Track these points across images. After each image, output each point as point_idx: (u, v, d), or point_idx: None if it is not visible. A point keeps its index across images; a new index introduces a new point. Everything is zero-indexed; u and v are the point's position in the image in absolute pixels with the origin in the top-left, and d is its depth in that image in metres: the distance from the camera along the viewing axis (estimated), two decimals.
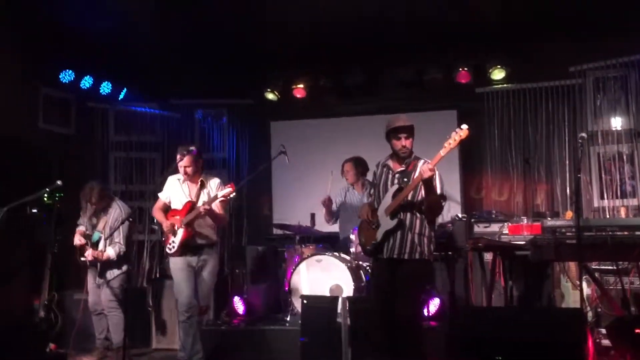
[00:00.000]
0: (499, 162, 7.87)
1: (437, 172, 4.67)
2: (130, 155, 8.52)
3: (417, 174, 4.71)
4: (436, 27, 7.33)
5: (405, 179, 4.83)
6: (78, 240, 6.40)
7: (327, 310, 5.72)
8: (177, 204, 5.83)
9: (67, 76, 7.78)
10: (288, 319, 6.49)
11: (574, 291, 6.22)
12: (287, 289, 6.62)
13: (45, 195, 6.45)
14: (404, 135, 4.84)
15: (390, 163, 4.98)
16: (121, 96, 8.31)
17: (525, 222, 5.98)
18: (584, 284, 5.56)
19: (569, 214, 6.79)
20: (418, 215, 4.79)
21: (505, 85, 7.86)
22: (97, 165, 8.33)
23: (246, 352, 6.14)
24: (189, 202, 5.76)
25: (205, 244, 5.78)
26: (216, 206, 5.66)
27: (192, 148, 5.81)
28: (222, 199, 5.58)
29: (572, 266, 6.24)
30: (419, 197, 4.80)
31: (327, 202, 6.95)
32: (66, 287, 7.12)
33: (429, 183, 4.59)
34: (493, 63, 7.71)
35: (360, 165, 6.99)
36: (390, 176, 4.94)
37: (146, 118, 8.60)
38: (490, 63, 7.73)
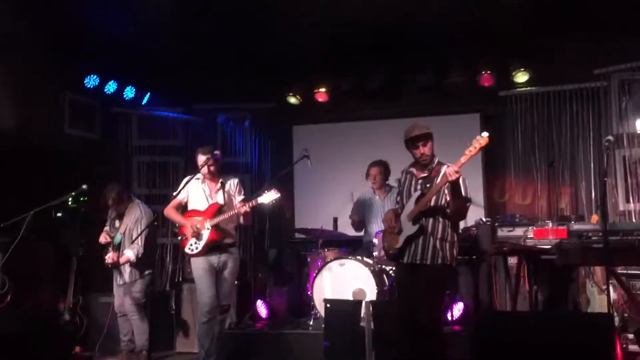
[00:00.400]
0: (522, 166, 7.80)
1: (461, 175, 4.66)
2: (154, 160, 8.59)
3: (439, 179, 4.70)
4: (459, 31, 7.30)
5: (428, 185, 4.82)
6: (103, 238, 6.48)
7: (350, 314, 5.71)
8: (198, 204, 5.86)
9: (91, 81, 7.86)
10: (311, 323, 6.48)
11: (600, 296, 6.16)
12: (309, 292, 6.62)
13: (71, 199, 6.53)
14: (421, 143, 4.85)
15: (414, 170, 4.99)
16: (144, 101, 8.37)
17: (551, 226, 5.93)
18: (611, 289, 5.49)
19: (595, 217, 6.72)
20: (441, 220, 4.78)
21: (528, 88, 7.79)
22: (121, 170, 8.41)
23: (269, 356, 6.15)
24: (215, 204, 5.80)
25: (229, 244, 5.83)
26: (247, 206, 5.68)
27: (217, 152, 5.86)
28: (264, 201, 5.63)
29: (598, 270, 6.18)
30: (442, 202, 4.80)
31: (356, 223, 7.07)
32: (91, 290, 7.19)
33: (455, 186, 4.59)
34: (516, 66, 7.64)
35: (386, 171, 7.01)
36: (413, 182, 4.95)
37: (169, 122, 8.66)
38: (513, 66, 7.66)
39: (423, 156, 4.86)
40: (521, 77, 7.69)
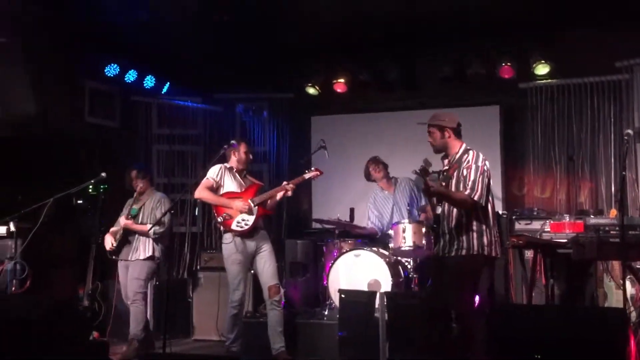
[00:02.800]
0: (542, 159, 7.74)
1: (473, 163, 4.63)
2: (173, 149, 8.64)
3: (460, 169, 4.68)
4: (479, 22, 7.25)
5: (442, 180, 4.78)
6: (109, 244, 6.43)
7: (364, 305, 5.72)
8: (233, 188, 5.99)
9: (112, 70, 7.91)
10: (326, 313, 6.50)
11: (617, 291, 6.11)
12: (325, 283, 6.64)
13: (90, 187, 6.61)
14: (428, 132, 4.87)
15: (444, 161, 4.95)
16: (164, 90, 8.42)
17: (568, 219, 5.89)
18: (628, 284, 5.44)
19: (613, 212, 6.65)
20: (464, 210, 4.68)
21: (549, 80, 7.71)
22: (140, 158, 8.45)
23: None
24: (256, 184, 6.09)
25: (263, 227, 6.05)
26: (293, 183, 6.04)
27: (233, 142, 6.11)
28: (309, 177, 6.10)
29: (616, 265, 6.14)
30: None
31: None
32: (109, 277, 7.26)
33: (437, 196, 4.62)
34: (537, 58, 7.56)
35: (380, 162, 7.13)
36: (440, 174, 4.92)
37: (188, 112, 8.70)
38: (533, 58, 7.58)
39: (431, 146, 4.89)
40: (541, 69, 7.61)
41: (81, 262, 7.04)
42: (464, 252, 4.63)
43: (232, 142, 6.07)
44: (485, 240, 4.64)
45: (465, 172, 4.62)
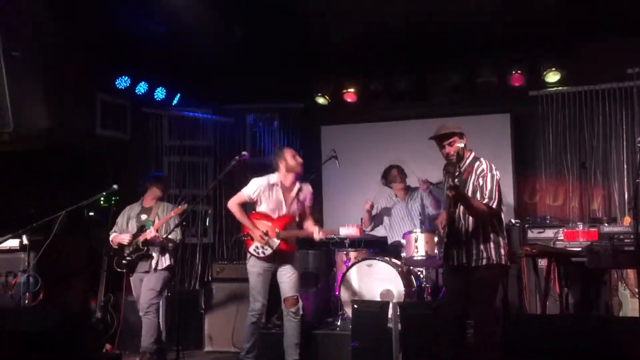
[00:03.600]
0: (553, 167, 7.70)
1: (488, 172, 4.63)
2: (184, 160, 8.65)
3: (473, 176, 4.67)
4: (489, 30, 7.23)
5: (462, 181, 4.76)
6: (127, 238, 6.35)
7: (377, 315, 5.71)
8: (267, 209, 5.87)
9: (123, 82, 7.94)
10: (338, 323, 6.49)
11: (633, 299, 6.06)
12: (337, 293, 6.63)
13: (102, 199, 6.62)
14: (446, 142, 4.83)
15: (451, 167, 4.93)
16: (175, 102, 8.45)
17: (581, 228, 5.85)
18: None
19: (627, 219, 6.59)
20: (479, 221, 4.68)
21: (560, 88, 7.68)
22: (151, 170, 8.46)
23: None
24: (289, 216, 5.90)
25: (292, 254, 5.95)
26: (323, 234, 5.93)
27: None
28: (345, 235, 6.14)
29: (631, 273, 6.08)
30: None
31: (369, 208, 7.11)
32: (121, 289, 7.26)
33: (458, 200, 4.57)
34: (547, 65, 7.55)
35: (403, 172, 7.15)
36: (447, 182, 4.90)
37: (199, 123, 8.71)
38: (544, 65, 7.57)
39: (448, 156, 4.82)
40: (552, 76, 7.60)
41: (93, 274, 7.07)
42: (484, 262, 4.63)
43: (244, 153, 5.98)
44: (502, 250, 4.68)
45: (481, 182, 4.62)
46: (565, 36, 7.34)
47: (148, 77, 8.12)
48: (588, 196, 7.52)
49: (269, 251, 5.76)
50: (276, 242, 5.75)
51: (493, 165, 4.73)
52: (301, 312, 5.94)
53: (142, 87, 8.10)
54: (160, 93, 8.28)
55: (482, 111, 7.99)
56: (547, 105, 7.74)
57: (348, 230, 6.05)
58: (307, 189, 6.04)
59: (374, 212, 7.20)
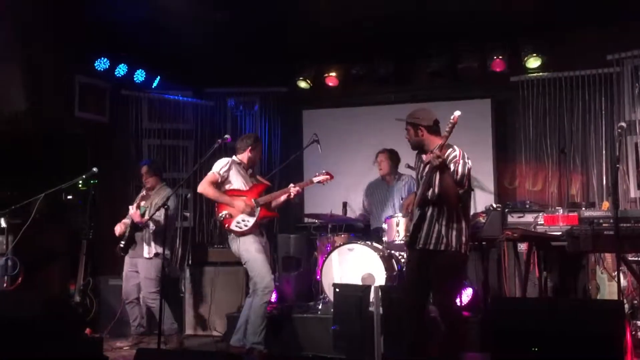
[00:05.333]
0: (533, 152, 7.75)
1: (460, 159, 4.62)
2: (164, 143, 8.57)
3: (449, 162, 4.68)
4: (471, 15, 7.23)
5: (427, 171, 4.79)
6: (120, 228, 6.45)
7: (359, 299, 5.71)
8: (239, 185, 5.90)
9: (102, 64, 7.84)
10: (320, 307, 6.49)
11: (610, 283, 6.15)
12: (318, 277, 6.63)
13: (81, 182, 6.57)
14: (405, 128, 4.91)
15: (423, 155, 4.95)
16: (154, 84, 8.37)
17: (561, 212, 5.90)
18: (620, 276, 5.47)
19: (606, 204, 6.67)
20: (445, 206, 4.70)
21: (540, 73, 7.72)
22: (131, 153, 8.40)
23: (278, 340, 6.15)
24: (262, 184, 6.01)
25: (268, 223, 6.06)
26: (300, 187, 6.05)
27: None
28: (319, 181, 6.11)
29: (608, 257, 6.17)
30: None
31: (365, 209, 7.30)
32: (101, 272, 7.23)
33: (441, 171, 4.55)
34: (528, 51, 7.58)
35: (394, 158, 7.02)
36: (421, 168, 4.93)
37: (179, 106, 8.64)
38: (525, 51, 7.60)
39: (408, 142, 4.94)
40: (533, 62, 7.63)
41: (72, 258, 7.01)
42: (442, 247, 4.67)
43: (226, 136, 6.00)
44: (463, 238, 4.71)
45: (452, 167, 4.61)
46: (547, 22, 7.36)
47: (127, 60, 8.02)
48: (567, 181, 7.59)
49: (251, 221, 5.77)
50: (257, 210, 5.80)
51: (466, 154, 4.71)
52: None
53: (121, 69, 8.01)
54: (140, 75, 8.19)
55: (464, 96, 8.02)
56: (528, 91, 7.77)
57: (320, 178, 6.14)
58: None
59: (366, 204, 7.28)
